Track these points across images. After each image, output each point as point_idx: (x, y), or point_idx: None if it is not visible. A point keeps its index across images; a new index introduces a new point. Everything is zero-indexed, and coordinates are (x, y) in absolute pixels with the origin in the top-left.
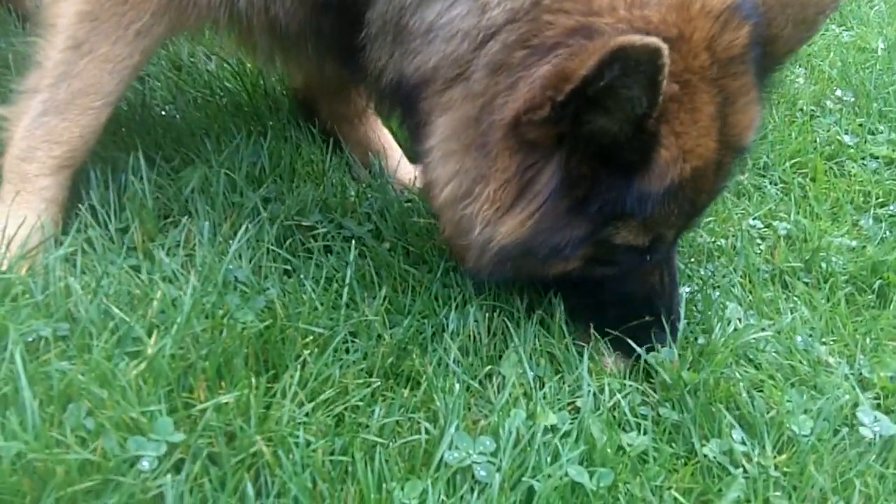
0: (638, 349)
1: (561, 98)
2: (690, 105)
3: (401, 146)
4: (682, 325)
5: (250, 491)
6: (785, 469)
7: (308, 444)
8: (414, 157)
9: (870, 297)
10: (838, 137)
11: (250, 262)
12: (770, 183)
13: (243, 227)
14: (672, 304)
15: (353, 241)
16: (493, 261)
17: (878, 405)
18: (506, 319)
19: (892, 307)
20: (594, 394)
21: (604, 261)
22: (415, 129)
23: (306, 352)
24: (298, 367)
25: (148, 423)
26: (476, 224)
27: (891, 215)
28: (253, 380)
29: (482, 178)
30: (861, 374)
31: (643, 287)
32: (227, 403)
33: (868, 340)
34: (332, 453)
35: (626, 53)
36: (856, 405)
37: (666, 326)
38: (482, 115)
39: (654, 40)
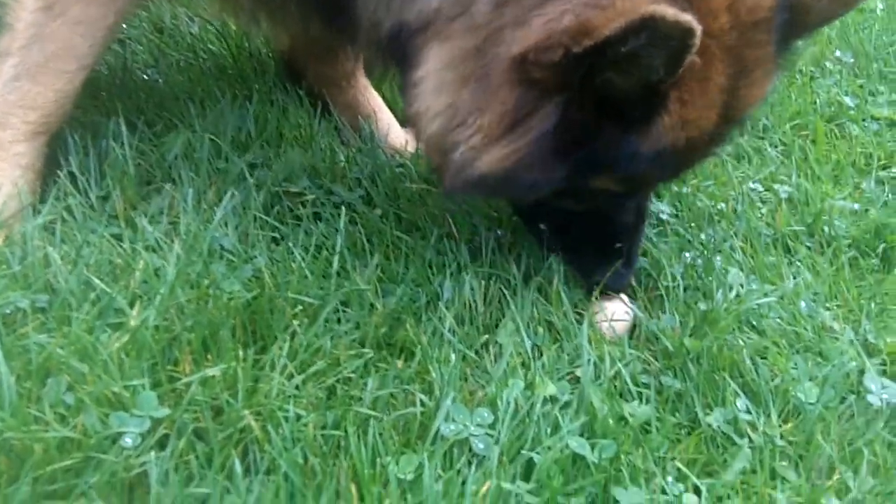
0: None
1: (577, 49)
2: (703, 75)
3: (392, 110)
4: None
5: (238, 468)
6: (791, 438)
7: (298, 418)
8: (406, 119)
9: (874, 260)
10: (838, 99)
11: (236, 229)
12: (770, 145)
13: (229, 194)
14: (632, 247)
15: (343, 208)
16: (468, 185)
17: (884, 371)
18: (502, 287)
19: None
20: (594, 363)
21: (575, 196)
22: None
23: (296, 322)
24: (288, 338)
25: (131, 398)
26: (460, 150)
27: (893, 178)
28: (240, 352)
29: (478, 110)
30: (867, 339)
31: (618, 226)
32: (213, 377)
33: (873, 305)
34: (323, 427)
35: (656, 25)
36: (862, 372)
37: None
38: (485, 46)
39: (688, 19)
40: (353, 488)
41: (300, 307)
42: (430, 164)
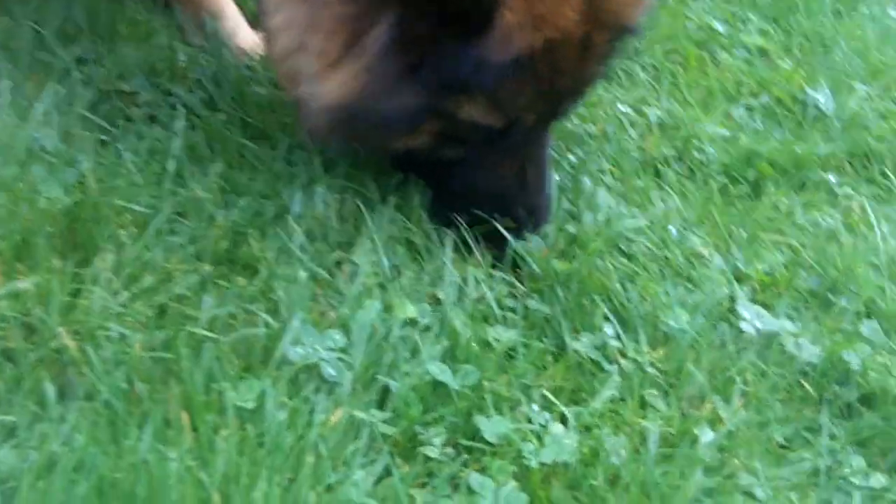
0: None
1: None
2: None
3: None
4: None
5: (51, 392)
6: (661, 366)
7: (123, 337)
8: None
9: (743, 188)
10: (710, 24)
11: (59, 129)
12: (641, 68)
13: (51, 89)
14: (537, 206)
15: (183, 110)
16: (324, 124)
17: (754, 299)
18: (358, 203)
19: (765, 199)
20: (458, 285)
21: (453, 139)
22: None
23: (123, 232)
24: (113, 249)
25: None
26: (303, 78)
27: (762, 105)
28: (57, 263)
29: (312, 27)
30: (737, 267)
31: (497, 177)
32: (25, 290)
33: (743, 233)
34: (151, 349)
35: None
36: (732, 299)
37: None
38: None
39: None
40: (185, 417)
41: (129, 216)
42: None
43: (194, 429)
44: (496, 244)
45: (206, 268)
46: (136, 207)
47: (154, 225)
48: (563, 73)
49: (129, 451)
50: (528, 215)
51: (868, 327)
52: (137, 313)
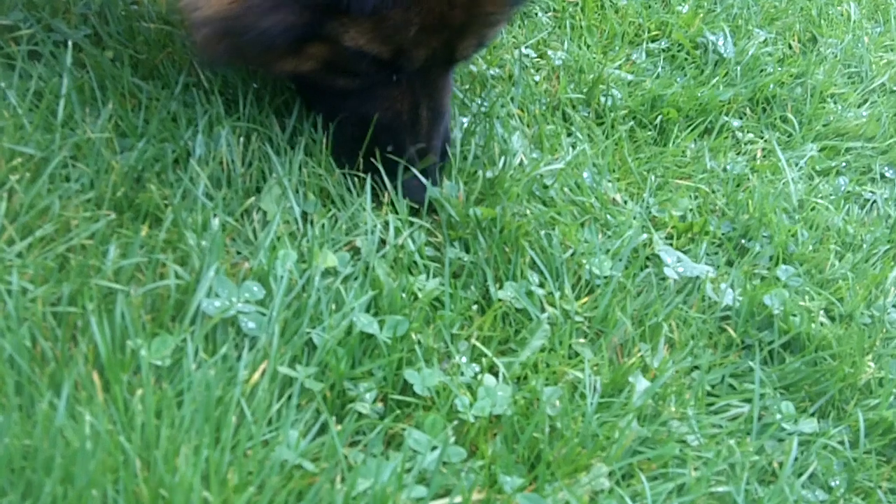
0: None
1: None
2: None
3: None
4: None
5: None
6: (587, 314)
7: (24, 291)
8: None
9: (650, 132)
10: None
11: None
12: (541, 10)
13: None
14: (430, 144)
15: (70, 47)
16: (207, 38)
17: (671, 245)
18: (265, 145)
19: (672, 144)
20: (377, 233)
21: (342, 69)
22: None
23: (13, 177)
24: (3, 195)
25: None
26: None
27: (662, 49)
28: None
29: None
30: (650, 213)
31: (390, 114)
32: None
33: (654, 178)
34: (54, 304)
35: None
36: (650, 245)
37: (418, 169)
38: None
39: None
40: (96, 377)
41: (19, 159)
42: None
43: (105, 389)
44: (412, 190)
45: (109, 215)
46: (27, 150)
47: (48, 170)
48: (454, 6)
49: (43, 416)
50: (421, 156)
51: (784, 272)
52: (38, 265)
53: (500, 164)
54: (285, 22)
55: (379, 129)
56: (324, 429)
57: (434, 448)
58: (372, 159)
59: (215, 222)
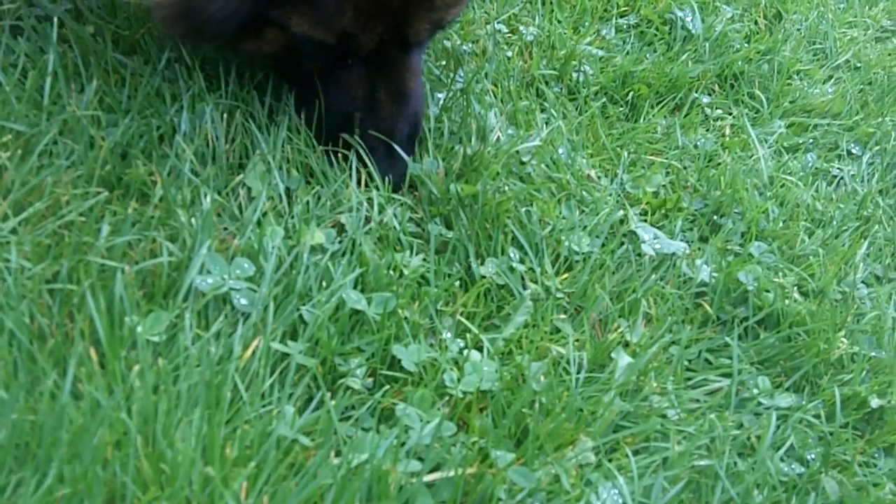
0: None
1: None
2: None
3: None
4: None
5: None
6: (567, 290)
7: (22, 269)
8: None
9: (622, 109)
10: None
11: None
12: None
13: None
14: (393, 127)
15: (55, 23)
16: (166, 22)
17: (646, 221)
18: (248, 122)
19: (643, 120)
20: (361, 209)
21: (300, 52)
22: None
23: (4, 154)
24: None
25: None
26: None
27: (631, 25)
28: None
29: None
30: (625, 189)
31: (348, 97)
32: None
33: (626, 154)
34: (50, 280)
35: None
36: (625, 221)
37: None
38: None
39: None
40: (94, 353)
41: (9, 136)
42: None
43: (102, 365)
44: (393, 167)
45: (101, 192)
46: (17, 127)
47: (38, 147)
48: None
49: (48, 394)
50: (381, 140)
51: (757, 248)
52: (33, 242)
53: (479, 141)
54: (229, 7)
55: (339, 111)
56: (316, 404)
57: (427, 422)
58: (339, 140)
59: (206, 200)
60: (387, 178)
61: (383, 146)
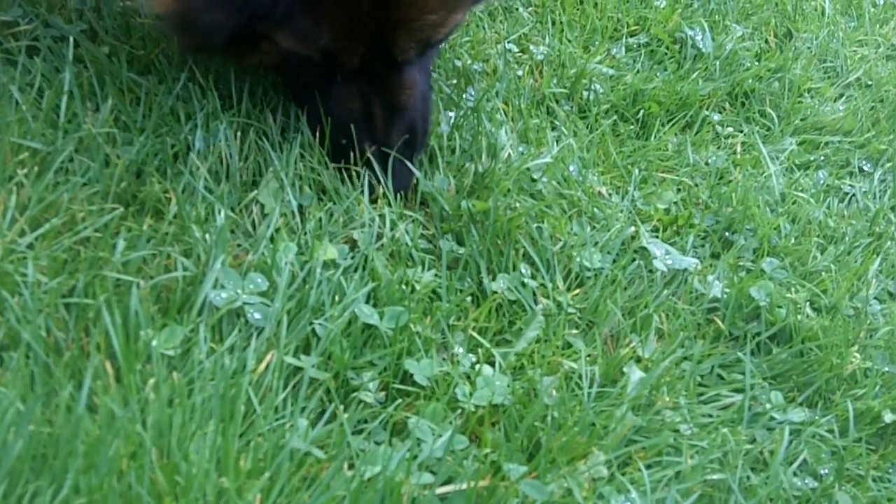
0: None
1: None
2: None
3: None
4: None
5: None
6: (579, 306)
7: (39, 283)
8: None
9: (633, 127)
10: None
11: None
12: (522, 6)
13: None
14: (387, 140)
15: (71, 42)
16: (168, 34)
17: (657, 237)
18: (262, 140)
19: (654, 138)
20: (373, 225)
21: (296, 65)
22: None
23: (21, 171)
24: (14, 188)
25: None
26: None
27: (641, 44)
28: None
29: None
30: (636, 206)
31: (344, 110)
32: None
33: (637, 172)
34: (65, 294)
35: None
36: (637, 238)
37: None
38: None
39: None
40: (109, 366)
41: (26, 153)
42: None
43: (117, 379)
44: (394, 179)
45: (116, 209)
46: (34, 145)
47: (54, 165)
48: (359, 16)
49: (65, 406)
50: (379, 153)
51: (769, 264)
52: (50, 257)
53: (490, 158)
54: (217, 21)
55: (338, 123)
56: (329, 417)
57: (439, 436)
58: (343, 151)
59: (220, 217)
60: (384, 188)
61: (381, 158)
